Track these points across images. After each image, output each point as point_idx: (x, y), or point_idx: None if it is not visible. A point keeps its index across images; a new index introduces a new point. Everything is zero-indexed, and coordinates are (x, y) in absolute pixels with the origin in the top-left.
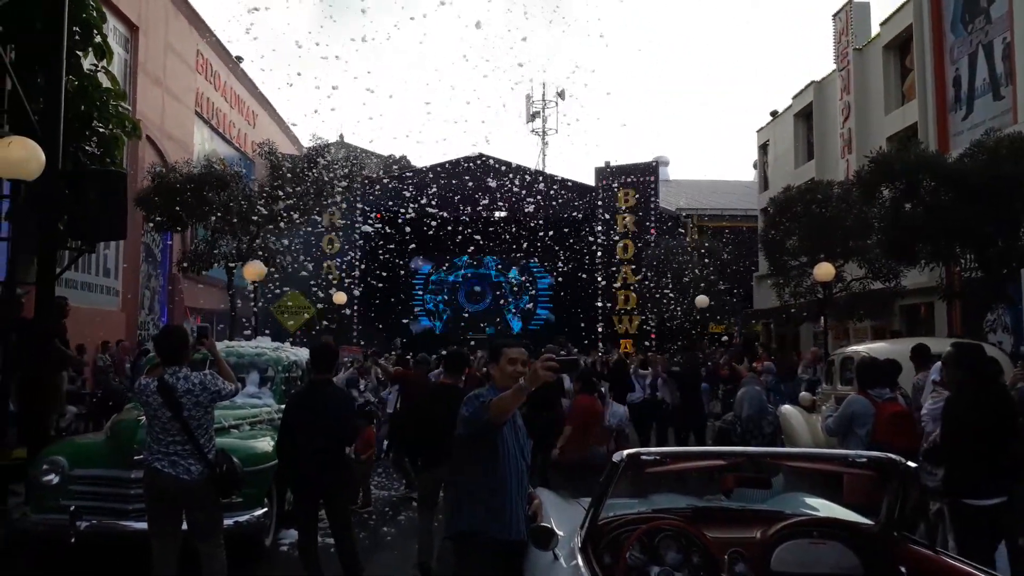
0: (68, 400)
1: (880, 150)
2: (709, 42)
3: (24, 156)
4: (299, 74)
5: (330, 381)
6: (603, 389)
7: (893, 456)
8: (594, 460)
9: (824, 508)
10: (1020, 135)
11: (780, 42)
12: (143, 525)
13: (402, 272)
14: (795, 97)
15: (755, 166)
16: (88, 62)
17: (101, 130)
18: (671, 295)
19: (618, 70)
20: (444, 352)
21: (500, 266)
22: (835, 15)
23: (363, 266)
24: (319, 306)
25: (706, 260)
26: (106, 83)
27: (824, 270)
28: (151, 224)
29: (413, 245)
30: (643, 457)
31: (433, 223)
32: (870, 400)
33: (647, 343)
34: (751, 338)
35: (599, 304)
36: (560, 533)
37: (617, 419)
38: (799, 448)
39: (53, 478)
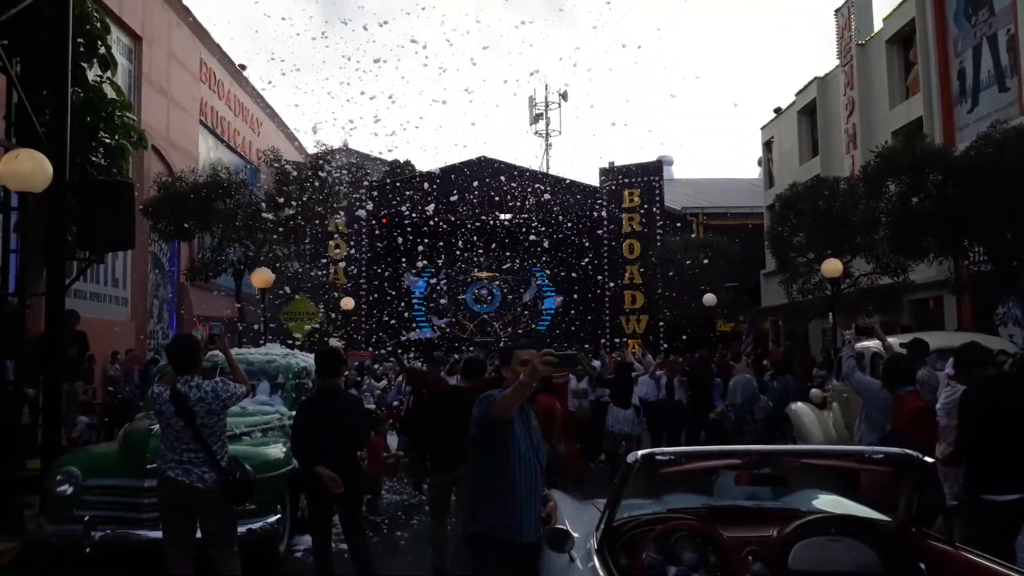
0: (79, 410)
1: (885, 145)
2: (712, 40)
3: (32, 168)
4: (330, 96)
5: (339, 386)
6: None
7: (910, 452)
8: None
9: (839, 505)
10: None
11: (782, 38)
12: (157, 534)
13: (401, 280)
14: (798, 93)
15: (760, 163)
16: (93, 73)
17: (107, 141)
18: (676, 294)
19: (619, 71)
20: (462, 358)
21: (506, 267)
22: (837, 11)
23: (369, 271)
24: (325, 313)
25: (709, 259)
26: (111, 94)
27: (832, 266)
28: (156, 234)
29: (421, 247)
30: (658, 457)
31: (438, 226)
32: (891, 393)
33: (660, 343)
34: (761, 337)
35: (606, 305)
36: (576, 535)
37: (622, 424)
38: (812, 445)
39: (67, 489)
